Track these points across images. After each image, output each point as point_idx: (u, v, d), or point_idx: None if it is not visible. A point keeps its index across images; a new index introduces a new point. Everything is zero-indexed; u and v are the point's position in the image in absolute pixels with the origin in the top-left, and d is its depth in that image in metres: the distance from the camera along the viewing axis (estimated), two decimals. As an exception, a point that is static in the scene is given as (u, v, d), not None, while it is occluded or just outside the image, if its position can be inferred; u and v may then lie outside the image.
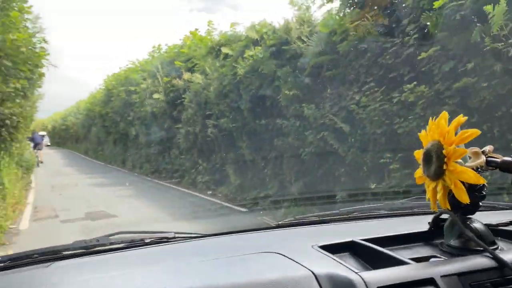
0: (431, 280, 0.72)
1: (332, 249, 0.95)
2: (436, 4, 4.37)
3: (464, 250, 0.85)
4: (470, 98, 4.32)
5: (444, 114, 0.87)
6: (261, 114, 8.14)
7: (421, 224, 1.08)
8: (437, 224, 1.01)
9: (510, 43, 3.73)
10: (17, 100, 7.23)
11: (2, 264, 1.12)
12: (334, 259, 0.87)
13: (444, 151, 0.83)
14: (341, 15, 6.52)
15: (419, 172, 0.96)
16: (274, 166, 8.08)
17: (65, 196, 10.53)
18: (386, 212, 1.50)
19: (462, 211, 0.88)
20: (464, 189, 0.81)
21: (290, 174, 7.48)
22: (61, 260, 1.16)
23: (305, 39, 6.82)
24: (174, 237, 1.31)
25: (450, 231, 0.90)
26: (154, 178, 14.23)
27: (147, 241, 1.29)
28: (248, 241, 1.35)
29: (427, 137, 0.92)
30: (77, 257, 1.20)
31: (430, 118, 0.92)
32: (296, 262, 0.87)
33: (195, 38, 11.97)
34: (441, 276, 0.72)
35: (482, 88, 4.15)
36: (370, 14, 5.86)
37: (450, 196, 0.85)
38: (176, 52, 13.44)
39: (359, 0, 6.27)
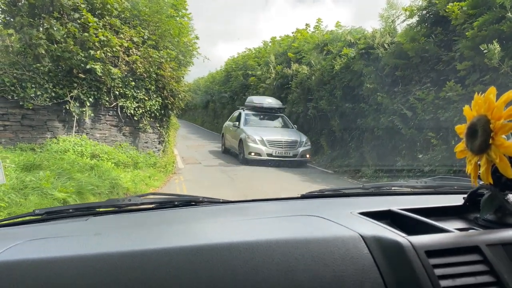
0: (476, 248, 0.71)
1: (371, 216, 0.95)
2: (468, 34, 6.55)
3: (501, 225, 0.84)
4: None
5: (492, 90, 0.83)
6: (349, 100, 10.66)
7: (446, 201, 1.10)
8: (472, 199, 1.01)
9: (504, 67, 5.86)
10: (182, 80, 10.72)
11: (40, 217, 1.21)
12: (378, 224, 0.86)
13: (491, 126, 0.81)
14: (418, 29, 8.67)
15: (460, 147, 0.92)
16: (357, 141, 10.60)
17: (199, 152, 14.25)
18: (409, 189, 1.53)
19: (501, 187, 0.86)
20: (509, 164, 0.79)
21: (368, 147, 9.96)
22: (95, 215, 1.22)
23: (386, 46, 9.17)
24: (202, 201, 1.37)
25: (488, 205, 0.89)
26: (261, 147, 17.51)
27: (176, 203, 1.34)
28: (279, 207, 1.35)
29: (471, 112, 0.88)
30: (110, 214, 1.27)
31: (476, 93, 0.88)
32: (340, 224, 0.86)
33: (305, 36, 14.66)
34: (487, 245, 0.71)
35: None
36: (436, 32, 8.02)
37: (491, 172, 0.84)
38: (287, 45, 16.28)
39: (430, 19, 8.41)
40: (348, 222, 0.88)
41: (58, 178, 5.65)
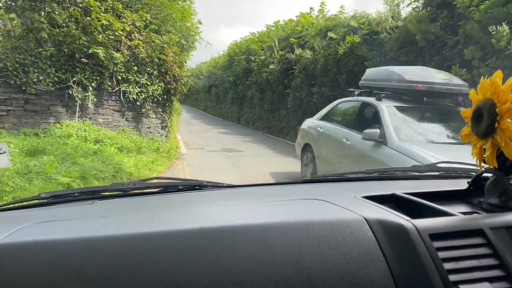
0: (480, 231, 0.71)
1: (375, 200, 0.95)
2: (474, 16, 6.46)
3: (505, 208, 0.85)
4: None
5: (499, 73, 0.83)
6: (353, 86, 10.57)
7: (450, 185, 1.10)
8: (476, 183, 1.01)
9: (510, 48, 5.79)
10: (184, 65, 10.66)
11: (45, 200, 1.21)
12: (382, 208, 0.87)
13: (497, 109, 0.80)
14: (423, 12, 8.55)
15: (465, 130, 0.92)
16: (360, 126, 10.56)
17: (202, 137, 14.27)
18: (413, 174, 1.52)
19: (506, 171, 0.86)
20: None
21: (371, 132, 9.92)
22: (100, 199, 1.23)
23: (390, 31, 9.06)
24: (207, 185, 1.36)
25: (492, 189, 0.89)
26: (265, 133, 17.43)
27: (180, 187, 1.35)
28: (283, 191, 1.33)
29: (477, 96, 0.88)
30: (115, 198, 1.27)
31: (482, 77, 0.88)
32: (344, 207, 0.86)
33: (308, 20, 14.51)
34: (491, 228, 0.71)
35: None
36: (441, 16, 7.91)
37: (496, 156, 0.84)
38: (291, 29, 16.11)
39: (435, 2, 8.28)
40: (352, 205, 0.88)
41: (62, 163, 5.68)
